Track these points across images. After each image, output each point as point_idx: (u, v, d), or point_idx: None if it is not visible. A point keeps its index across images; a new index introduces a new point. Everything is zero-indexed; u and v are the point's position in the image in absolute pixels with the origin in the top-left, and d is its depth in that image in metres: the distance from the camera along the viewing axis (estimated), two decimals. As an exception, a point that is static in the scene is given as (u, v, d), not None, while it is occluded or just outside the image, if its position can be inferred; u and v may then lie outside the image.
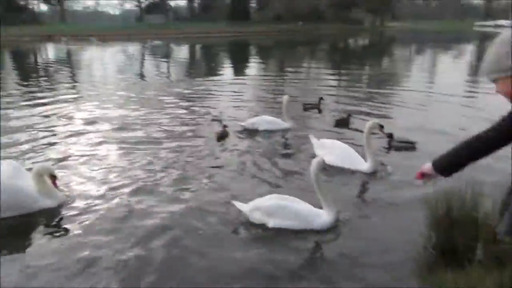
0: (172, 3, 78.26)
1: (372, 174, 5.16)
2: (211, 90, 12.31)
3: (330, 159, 5.09)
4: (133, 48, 35.25)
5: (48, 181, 4.34)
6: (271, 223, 3.78)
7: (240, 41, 43.70)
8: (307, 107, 9.09)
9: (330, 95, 10.84)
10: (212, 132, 7.10)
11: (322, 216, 3.79)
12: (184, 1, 78.17)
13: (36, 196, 4.26)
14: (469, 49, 34.24)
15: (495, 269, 2.46)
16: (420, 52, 31.46)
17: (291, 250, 3.49)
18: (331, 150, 5.42)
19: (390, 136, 6.07)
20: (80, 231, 3.86)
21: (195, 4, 76.68)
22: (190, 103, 10.21)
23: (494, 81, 1.94)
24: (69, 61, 24.33)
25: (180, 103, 10.20)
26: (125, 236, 3.74)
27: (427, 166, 2.37)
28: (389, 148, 6.13)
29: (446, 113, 8.79)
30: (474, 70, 18.58)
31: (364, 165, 5.21)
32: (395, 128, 6.66)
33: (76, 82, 15.24)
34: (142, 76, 17.10)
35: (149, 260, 3.35)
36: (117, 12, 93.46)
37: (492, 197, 3.17)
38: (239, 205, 3.98)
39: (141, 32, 53.49)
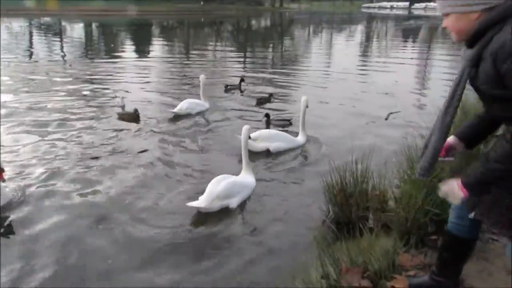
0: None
1: (305, 146, 5.80)
2: (112, 72, 11.76)
3: (277, 145, 5.53)
4: (18, 25, 31.54)
5: None
6: (234, 203, 4.06)
7: (141, 20, 41.67)
8: (228, 88, 9.24)
9: (236, 76, 11.11)
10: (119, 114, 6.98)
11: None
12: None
13: None
14: (359, 29, 37.17)
15: (383, 235, 2.90)
16: (317, 32, 33.27)
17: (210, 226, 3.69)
18: (272, 139, 5.62)
19: (267, 115, 6.63)
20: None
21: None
22: (90, 86, 9.69)
23: (447, 15, 1.83)
24: None
25: (78, 87, 9.59)
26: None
27: (451, 139, 2.16)
28: (268, 126, 6.57)
29: (344, 88, 9.89)
30: (364, 49, 20.59)
31: (299, 139, 5.76)
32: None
33: None
34: (31, 56, 15.55)
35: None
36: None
37: (378, 171, 3.66)
38: (196, 203, 3.89)
39: (26, 8, 47.94)
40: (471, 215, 1.94)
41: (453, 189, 1.83)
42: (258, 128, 6.04)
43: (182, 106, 7.31)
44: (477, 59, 1.74)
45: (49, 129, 6.38)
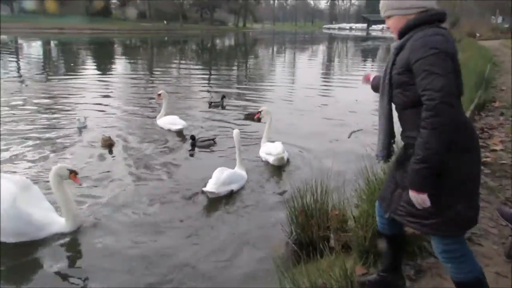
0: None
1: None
2: (72, 92, 11.45)
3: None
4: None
5: (69, 191, 3.92)
6: (235, 188, 4.89)
7: (102, 39, 41.00)
8: (211, 105, 9.70)
9: (201, 91, 11.29)
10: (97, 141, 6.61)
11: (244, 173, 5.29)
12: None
13: (42, 222, 3.73)
14: (321, 48, 38.32)
15: (343, 254, 2.94)
16: (281, 51, 33.98)
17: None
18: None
19: (192, 138, 6.65)
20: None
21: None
22: (49, 106, 9.38)
23: (388, 17, 2.13)
24: None
25: (36, 107, 9.22)
26: None
27: (374, 74, 2.54)
28: (193, 148, 6.58)
29: (306, 106, 10.20)
30: (326, 67, 21.34)
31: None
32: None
33: None
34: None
35: None
36: None
37: (337, 190, 3.74)
38: (208, 188, 4.65)
39: (-22, 25, 46.00)
40: (386, 214, 2.22)
41: (414, 198, 1.94)
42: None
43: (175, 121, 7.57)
44: (401, 48, 2.02)
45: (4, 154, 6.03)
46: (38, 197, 3.95)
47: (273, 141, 6.17)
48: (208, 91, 12.16)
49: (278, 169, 5.82)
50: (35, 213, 3.75)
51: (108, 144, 6.37)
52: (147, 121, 8.20)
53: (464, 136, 1.94)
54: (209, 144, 6.67)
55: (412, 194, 1.93)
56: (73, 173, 3.93)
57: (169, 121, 7.61)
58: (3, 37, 36.95)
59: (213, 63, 23.22)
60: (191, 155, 6.37)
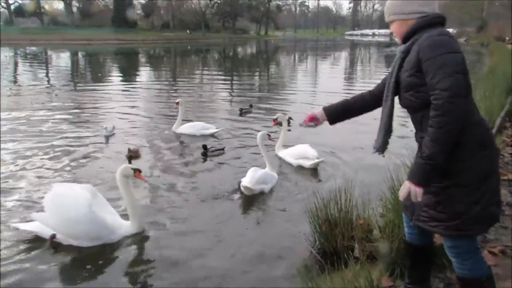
0: (47, 7, 71.44)
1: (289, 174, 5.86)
2: (99, 100, 11.74)
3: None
4: (3, 55, 31.42)
5: (134, 196, 4.08)
6: (267, 188, 5.10)
7: (127, 49, 42.01)
8: (242, 112, 9.92)
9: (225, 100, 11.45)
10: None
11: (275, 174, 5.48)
12: (61, 5, 71.96)
13: (113, 226, 3.88)
14: (343, 55, 38.07)
15: (368, 265, 2.88)
16: (302, 59, 33.94)
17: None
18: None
19: (204, 147, 6.66)
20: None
21: (74, 9, 71.16)
22: (77, 115, 9.63)
23: (391, 22, 2.19)
24: None
25: (65, 116, 9.45)
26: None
27: (317, 111, 2.54)
28: (205, 158, 6.58)
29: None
30: (349, 74, 21.19)
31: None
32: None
33: None
34: (18, 86, 15.39)
35: None
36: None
37: (362, 199, 3.67)
38: (243, 183, 4.92)
39: (11, 37, 47.95)
40: (411, 222, 2.21)
41: (409, 190, 1.95)
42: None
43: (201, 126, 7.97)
44: (408, 51, 2.06)
45: (34, 160, 6.21)
46: (104, 203, 4.09)
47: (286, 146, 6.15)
48: (231, 102, 12.25)
49: (302, 175, 5.79)
50: (107, 218, 3.89)
51: (134, 156, 6.37)
52: (171, 128, 8.25)
53: (479, 133, 1.96)
54: (219, 153, 6.73)
55: (408, 185, 1.95)
56: (137, 172, 4.01)
57: (200, 127, 7.87)
58: (33, 48, 38.39)
59: (234, 70, 23.41)
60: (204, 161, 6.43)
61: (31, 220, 3.96)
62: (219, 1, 78.03)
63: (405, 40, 2.12)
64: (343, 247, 3.25)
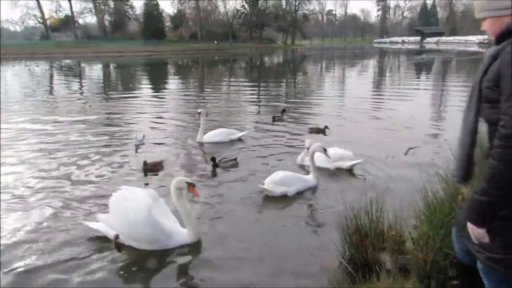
0: (81, 21, 74.46)
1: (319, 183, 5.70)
2: (130, 110, 12.05)
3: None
4: (41, 68, 32.84)
5: (187, 206, 4.12)
6: (291, 191, 5.19)
7: (157, 60, 43.05)
8: (275, 119, 10.07)
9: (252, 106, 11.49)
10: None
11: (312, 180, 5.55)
12: (94, 19, 74.79)
13: (170, 232, 3.98)
14: (372, 63, 37.55)
15: (401, 277, 2.79)
16: (330, 67, 33.70)
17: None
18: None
19: (213, 159, 6.52)
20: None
21: (106, 23, 73.76)
22: (108, 124, 9.91)
23: (483, 19, 1.93)
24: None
25: (99, 127, 9.71)
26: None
27: None
28: (214, 170, 6.42)
29: (359, 120, 10.09)
30: (378, 83, 20.81)
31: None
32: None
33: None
34: (54, 97, 16.03)
35: None
36: (18, 29, 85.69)
37: (394, 210, 3.56)
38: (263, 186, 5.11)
39: (48, 50, 50.20)
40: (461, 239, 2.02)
41: (471, 231, 1.78)
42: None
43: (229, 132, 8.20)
44: (496, 57, 1.77)
45: (71, 168, 6.40)
46: (165, 209, 4.19)
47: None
48: (258, 111, 12.29)
49: (332, 182, 5.74)
50: (166, 223, 3.98)
51: (154, 169, 6.33)
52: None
53: None
54: (232, 164, 6.62)
55: (469, 226, 1.77)
56: (191, 185, 4.07)
57: (228, 133, 8.04)
58: (68, 61, 39.91)
59: (261, 79, 23.51)
60: (214, 176, 6.22)
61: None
62: (246, 12, 79.04)
63: (499, 41, 1.82)
64: (373, 259, 3.16)
